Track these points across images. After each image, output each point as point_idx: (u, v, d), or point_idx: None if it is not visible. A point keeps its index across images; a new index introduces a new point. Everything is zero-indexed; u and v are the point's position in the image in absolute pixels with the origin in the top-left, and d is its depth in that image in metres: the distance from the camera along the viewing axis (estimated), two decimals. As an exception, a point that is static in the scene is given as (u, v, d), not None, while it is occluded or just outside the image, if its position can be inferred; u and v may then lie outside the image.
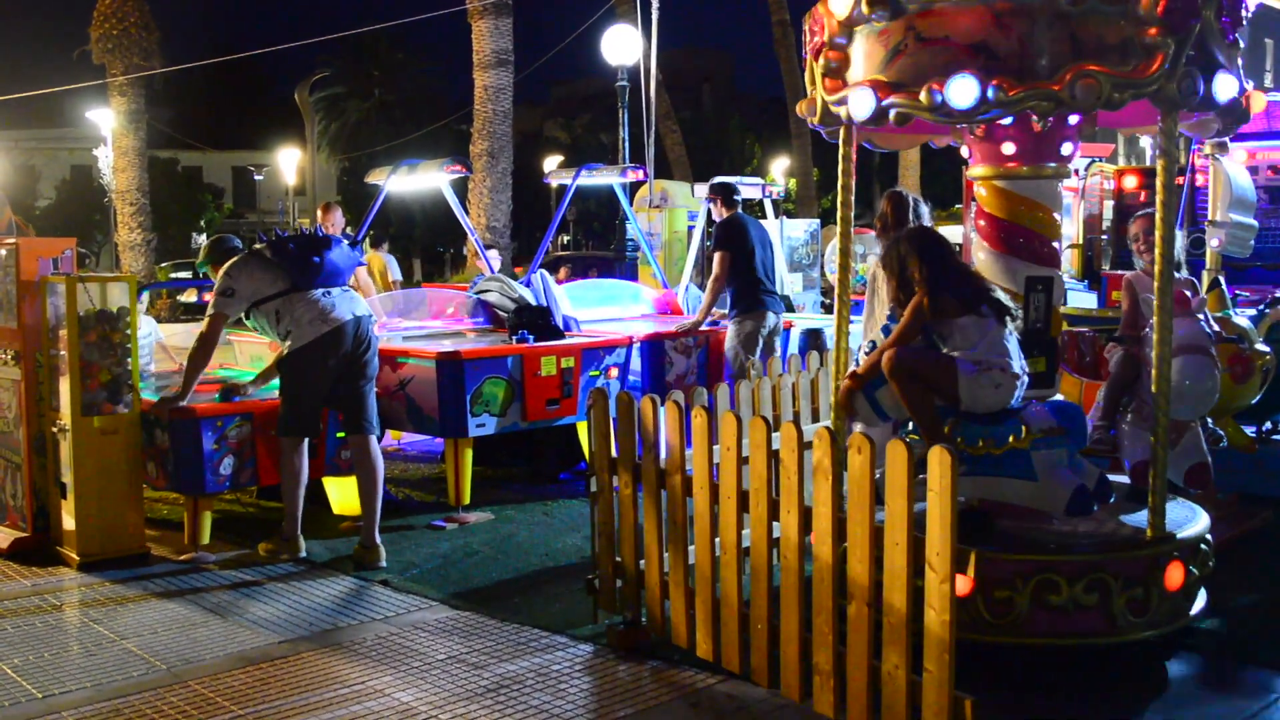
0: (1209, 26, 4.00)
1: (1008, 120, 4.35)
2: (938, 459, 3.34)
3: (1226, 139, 6.70)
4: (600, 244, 38.45)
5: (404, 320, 8.13)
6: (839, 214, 4.75)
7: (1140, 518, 4.31)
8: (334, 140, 45.81)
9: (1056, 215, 4.61)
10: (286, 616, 5.13)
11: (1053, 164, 4.56)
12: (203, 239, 41.15)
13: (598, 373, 7.33)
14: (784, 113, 32.45)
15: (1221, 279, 6.61)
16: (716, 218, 8.14)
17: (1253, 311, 6.98)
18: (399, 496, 7.42)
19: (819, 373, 5.80)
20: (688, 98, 50.98)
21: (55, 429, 6.07)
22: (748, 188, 11.92)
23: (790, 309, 8.76)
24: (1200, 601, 4.38)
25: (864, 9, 4.19)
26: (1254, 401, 6.12)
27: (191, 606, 5.31)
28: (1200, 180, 8.24)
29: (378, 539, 5.93)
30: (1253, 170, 8.28)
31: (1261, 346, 6.04)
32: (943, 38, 4.08)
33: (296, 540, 6.06)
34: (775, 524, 4.00)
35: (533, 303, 7.86)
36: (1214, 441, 5.64)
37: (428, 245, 45.63)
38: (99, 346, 5.94)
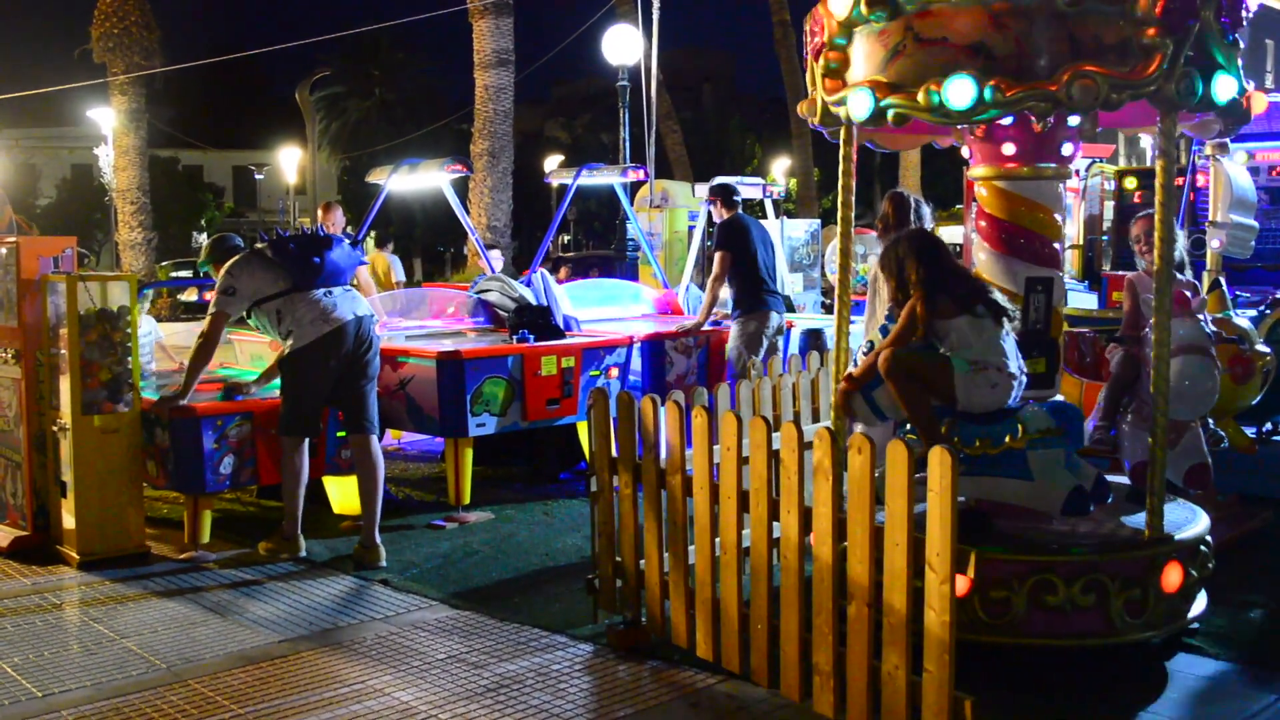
0: (1208, 27, 4.00)
1: (1008, 120, 4.35)
2: (938, 459, 3.34)
3: (1227, 140, 6.70)
4: (601, 244, 38.46)
5: (404, 319, 8.13)
6: (839, 214, 4.75)
7: (1140, 519, 4.31)
8: (334, 139, 45.81)
9: (1057, 216, 4.61)
10: (286, 616, 5.13)
11: (1053, 165, 4.56)
12: (203, 238, 41.19)
13: (598, 372, 7.33)
14: (785, 113, 32.45)
15: (1222, 280, 6.61)
16: (717, 219, 8.14)
17: (1253, 313, 6.98)
18: (399, 496, 7.42)
19: (819, 373, 5.80)
20: (688, 98, 50.99)
21: (55, 428, 6.07)
22: (748, 188, 11.92)
23: (791, 309, 8.76)
24: (1200, 603, 4.38)
25: (863, 9, 4.19)
26: (1254, 402, 6.12)
27: (191, 605, 5.31)
28: (1201, 181, 8.24)
29: (378, 538, 5.93)
30: (1253, 171, 8.28)
31: (1262, 347, 6.04)
32: (941, 38, 4.08)
33: (297, 539, 6.06)
34: (775, 524, 4.00)
35: (533, 302, 7.86)
36: (1215, 442, 5.64)
37: (428, 245, 45.64)
38: (99, 345, 5.94)
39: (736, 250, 7.82)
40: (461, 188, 12.71)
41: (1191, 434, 5.36)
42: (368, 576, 5.69)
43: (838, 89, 4.38)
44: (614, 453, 4.62)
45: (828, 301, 15.21)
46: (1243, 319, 6.37)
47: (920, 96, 4.05)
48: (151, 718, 4.03)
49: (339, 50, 41.84)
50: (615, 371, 7.44)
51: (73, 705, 4.14)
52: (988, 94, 3.94)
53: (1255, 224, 6.97)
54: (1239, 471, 6.28)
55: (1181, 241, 5.55)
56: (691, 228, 14.29)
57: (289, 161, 38.58)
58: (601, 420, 4.63)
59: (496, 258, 11.60)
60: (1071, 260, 11.53)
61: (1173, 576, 4.13)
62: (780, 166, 39.69)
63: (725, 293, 8.04)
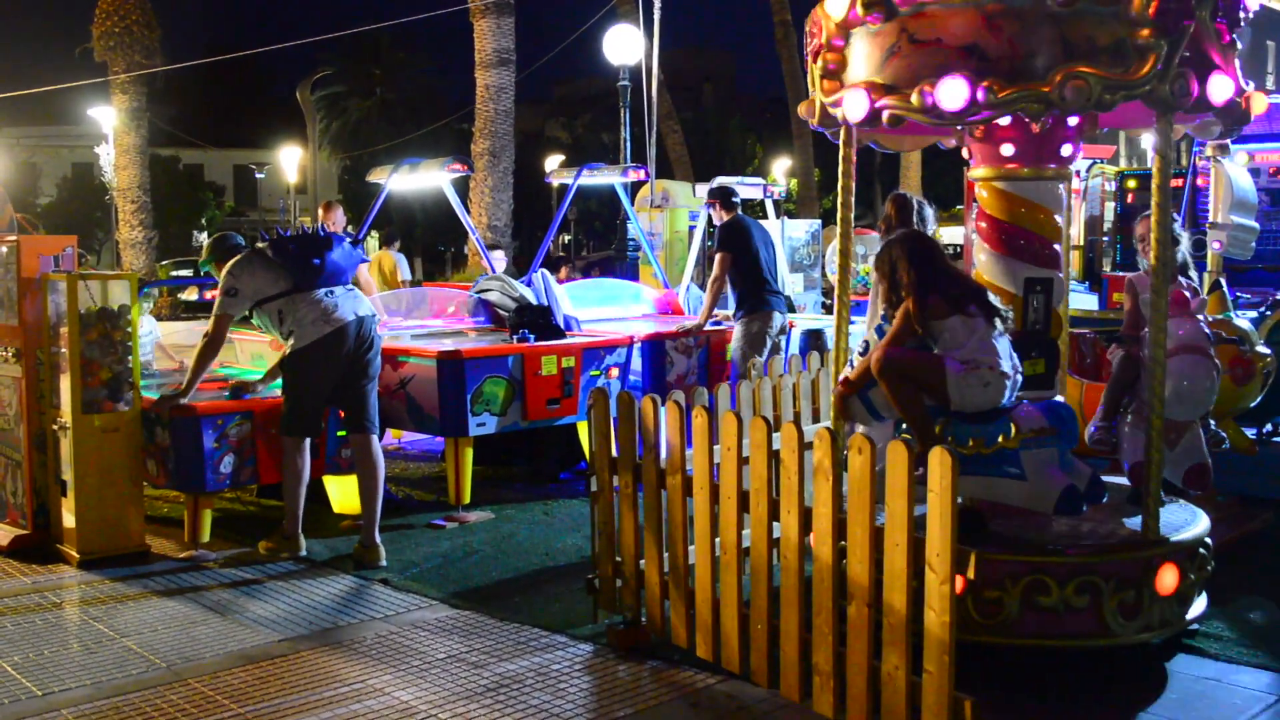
0: (1204, 27, 4.00)
1: (1005, 121, 4.35)
2: (938, 459, 3.34)
3: (1228, 141, 6.70)
4: (601, 244, 38.46)
5: (405, 319, 8.13)
6: (839, 215, 4.76)
7: (1139, 520, 4.30)
8: (335, 139, 45.84)
9: (1058, 217, 4.61)
10: (286, 615, 5.13)
11: (1053, 166, 4.56)
12: (204, 237, 41.21)
13: (598, 372, 7.33)
14: (785, 113, 32.45)
15: (1223, 281, 6.61)
16: (717, 221, 8.15)
17: (1254, 314, 6.98)
18: (399, 495, 7.42)
19: (819, 373, 5.80)
20: (689, 97, 51.01)
21: (56, 426, 6.07)
22: (749, 188, 11.92)
23: (792, 309, 8.76)
24: (1199, 605, 4.37)
25: (859, 11, 4.20)
26: (1255, 404, 6.12)
27: (191, 604, 5.31)
28: (1201, 182, 8.23)
29: (378, 538, 5.93)
30: (1254, 172, 8.28)
31: (1262, 349, 6.04)
32: (935, 40, 4.09)
33: (297, 539, 6.06)
34: (775, 524, 4.00)
35: (534, 302, 7.86)
36: (1216, 443, 5.64)
37: (429, 244, 45.66)
38: (100, 344, 5.94)
39: (738, 251, 7.83)
40: (462, 187, 12.71)
41: (1192, 434, 5.36)
42: (368, 576, 5.69)
43: (835, 90, 4.39)
44: (614, 453, 4.62)
45: (828, 302, 15.20)
46: (1243, 320, 6.37)
47: (914, 98, 4.06)
48: (151, 716, 4.03)
49: (340, 50, 41.85)
50: (615, 371, 7.45)
51: (72, 704, 4.14)
52: (980, 95, 3.94)
53: (1256, 225, 6.96)
54: (1239, 472, 6.28)
55: (1185, 243, 5.55)
56: (692, 228, 14.28)
57: (290, 161, 38.60)
58: (602, 420, 4.63)
59: (499, 258, 11.58)
60: (1072, 261, 11.53)
61: (1168, 579, 4.12)
62: (781, 167, 39.72)
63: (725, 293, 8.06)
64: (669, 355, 7.88)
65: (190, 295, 26.64)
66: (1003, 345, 4.27)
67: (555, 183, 11.81)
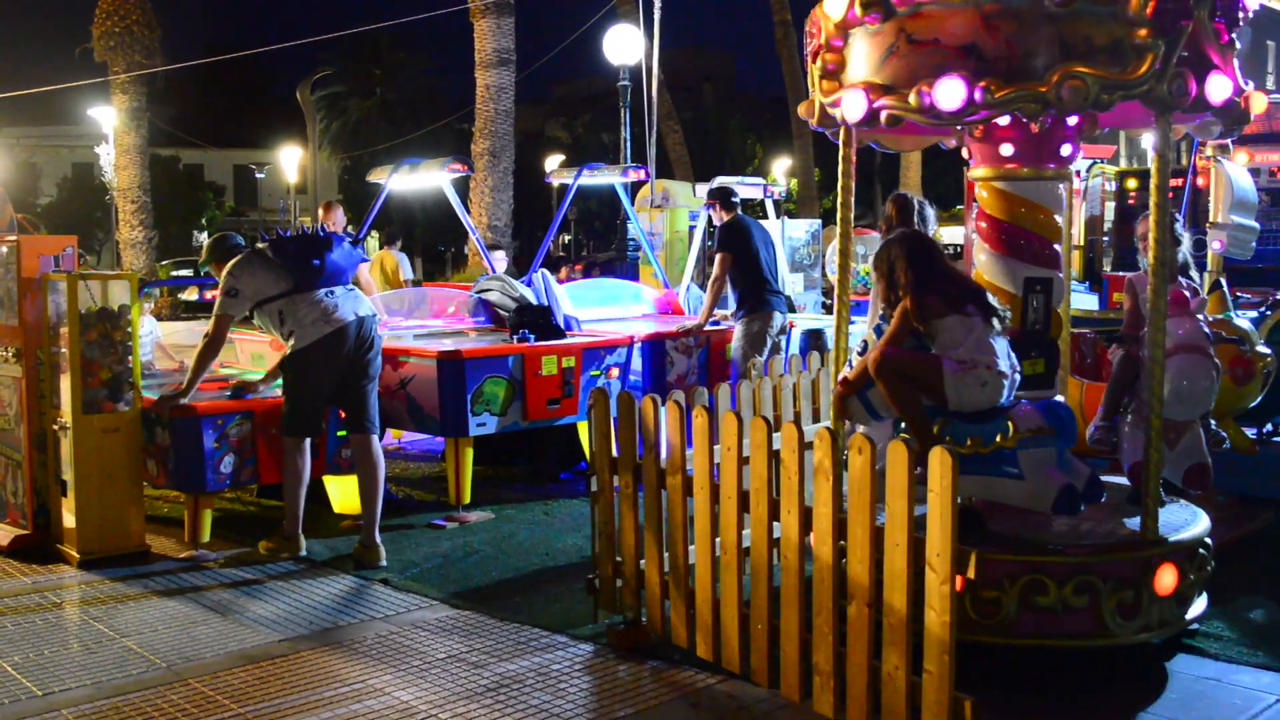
0: (1202, 27, 3.99)
1: (1004, 121, 4.35)
2: (938, 459, 3.34)
3: (1229, 141, 6.70)
4: (601, 244, 38.45)
5: (405, 319, 8.13)
6: (839, 215, 4.76)
7: (1139, 520, 4.30)
8: (335, 139, 45.84)
9: (1058, 217, 4.61)
10: (287, 615, 5.13)
11: (1053, 166, 4.56)
12: (204, 237, 41.21)
13: (599, 372, 7.33)
14: (785, 113, 32.44)
15: (1223, 281, 6.62)
16: (717, 221, 8.16)
17: (1254, 314, 6.98)
18: (399, 495, 7.42)
19: (819, 373, 5.81)
20: (689, 97, 51.01)
21: (56, 426, 6.07)
22: (749, 188, 11.93)
23: (792, 309, 8.77)
24: (1199, 605, 4.36)
25: (858, 11, 4.21)
26: (1255, 404, 6.12)
27: (191, 604, 5.31)
28: (1202, 182, 8.23)
29: (378, 538, 5.93)
30: (1254, 172, 8.28)
31: (1262, 348, 6.04)
32: (932, 40, 4.09)
33: (297, 539, 6.06)
34: (775, 524, 4.00)
35: (534, 302, 7.86)
36: (1217, 443, 5.63)
37: (429, 244, 45.66)
38: (100, 344, 5.94)
39: (738, 251, 7.84)
40: (462, 187, 12.70)
41: (1192, 434, 5.36)
42: (368, 576, 5.69)
43: (834, 90, 4.39)
44: (614, 453, 4.62)
45: (828, 302, 15.21)
46: (1243, 320, 6.37)
47: (911, 98, 4.06)
48: (152, 716, 4.03)
49: (340, 50, 41.87)
50: (616, 371, 7.45)
51: (73, 704, 4.14)
52: (977, 95, 3.95)
53: (1256, 225, 6.96)
54: (1239, 472, 6.28)
55: (1187, 244, 5.55)
56: (692, 228, 14.28)
57: (290, 161, 38.60)
58: (602, 420, 4.63)
59: (500, 259, 11.55)
60: (1073, 261, 11.53)
61: (1166, 579, 4.11)
62: (781, 166, 39.72)
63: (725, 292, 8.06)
64: (669, 355, 7.89)
65: (190, 295, 26.65)
66: (1000, 345, 4.27)
67: (555, 183, 11.80)
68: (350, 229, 11.99)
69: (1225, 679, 4.19)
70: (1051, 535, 4.26)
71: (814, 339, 8.62)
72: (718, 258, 7.95)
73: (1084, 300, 9.21)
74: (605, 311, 8.75)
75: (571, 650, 4.60)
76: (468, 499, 6.76)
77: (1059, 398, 4.72)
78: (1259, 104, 4.40)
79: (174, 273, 31.80)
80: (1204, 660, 4.35)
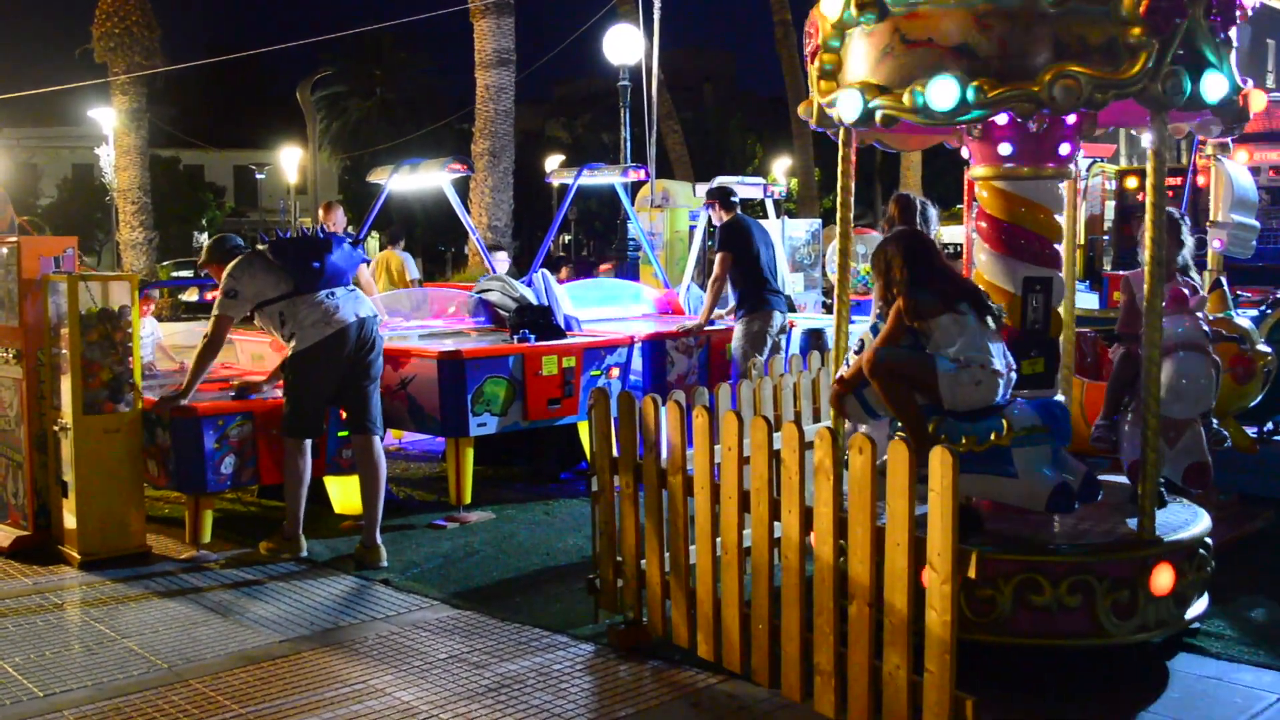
0: (1197, 25, 3.98)
1: (1002, 120, 4.35)
2: (939, 459, 3.34)
3: (1229, 140, 6.70)
4: (601, 243, 38.45)
5: (406, 320, 8.13)
6: (839, 214, 4.76)
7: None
8: (335, 139, 45.84)
9: (1058, 216, 4.61)
10: (287, 615, 5.13)
11: (1052, 165, 4.56)
12: (204, 238, 41.20)
13: (599, 372, 7.33)
14: (785, 112, 32.43)
15: (1224, 279, 6.61)
16: (716, 221, 8.17)
17: (1254, 312, 6.98)
18: (400, 496, 7.42)
19: (820, 372, 5.81)
20: (689, 97, 50.98)
21: (57, 427, 6.07)
22: (749, 188, 11.91)
23: (792, 309, 8.77)
24: (1199, 605, 4.34)
25: (853, 12, 4.21)
26: (1255, 402, 6.12)
27: (192, 605, 5.31)
28: (1202, 181, 8.23)
29: (379, 538, 5.93)
30: (1254, 171, 8.27)
31: (1263, 347, 6.04)
32: (927, 40, 4.10)
33: (298, 539, 6.06)
34: (776, 524, 4.00)
35: (534, 302, 7.86)
36: (1218, 442, 5.63)
37: (429, 245, 45.64)
38: (100, 345, 5.94)
39: (738, 251, 7.85)
40: (462, 187, 12.70)
41: (1192, 433, 5.36)
42: (369, 576, 5.69)
43: (832, 90, 4.39)
44: (615, 453, 4.62)
45: (829, 301, 15.20)
46: (1244, 319, 6.37)
47: (905, 98, 4.07)
48: (153, 717, 4.03)
49: (340, 50, 41.84)
50: (616, 371, 7.45)
51: (74, 705, 4.14)
52: (970, 95, 3.95)
53: (1256, 224, 6.96)
54: (1240, 471, 6.28)
55: (1190, 245, 5.55)
56: (692, 227, 14.27)
57: (290, 161, 38.59)
58: (602, 420, 4.63)
59: (502, 259, 11.53)
60: (1075, 260, 11.50)
61: (1163, 578, 4.09)
62: (781, 166, 39.71)
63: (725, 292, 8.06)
64: (670, 355, 7.89)
65: (191, 296, 26.66)
66: (995, 343, 4.27)
67: (555, 183, 11.81)
68: (350, 229, 11.98)
69: (1226, 678, 4.19)
70: (1050, 534, 4.26)
71: (814, 339, 8.63)
72: (718, 257, 7.96)
73: (1084, 299, 9.19)
74: (605, 311, 8.75)
75: (572, 650, 4.60)
76: (468, 499, 6.76)
77: (1059, 397, 4.71)
78: (1258, 102, 4.40)
79: (174, 273, 31.78)
80: (1205, 659, 4.35)
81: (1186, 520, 4.40)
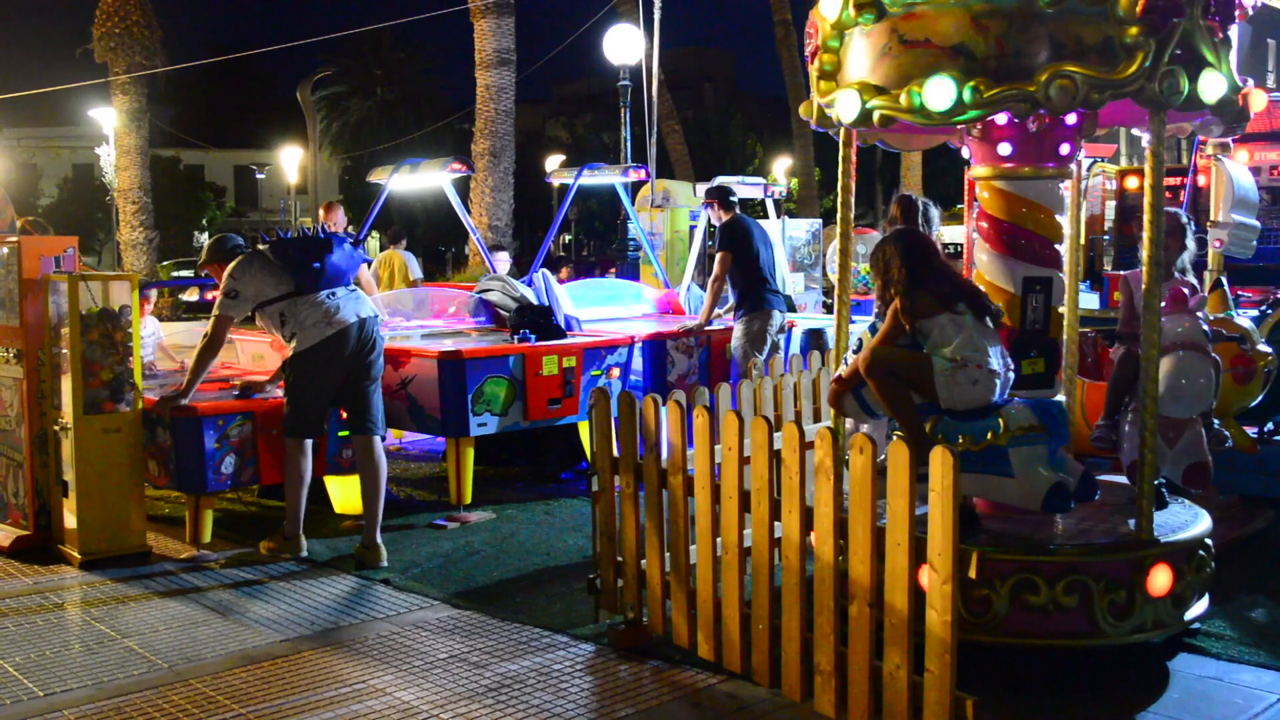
0: (1195, 25, 3.98)
1: (1002, 120, 4.35)
2: (940, 459, 3.34)
3: (1229, 140, 6.69)
4: (602, 244, 38.46)
5: (407, 320, 8.13)
6: (839, 214, 4.76)
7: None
8: (336, 139, 45.83)
9: (1059, 217, 4.61)
10: (288, 615, 5.13)
11: (1053, 165, 4.55)
12: (205, 238, 41.22)
13: (599, 372, 7.33)
14: (786, 112, 32.46)
15: (1224, 279, 6.61)
16: (715, 221, 8.18)
17: (1254, 313, 6.98)
18: (401, 495, 7.42)
19: (820, 373, 5.81)
20: (690, 97, 50.95)
21: (57, 427, 6.07)
22: (749, 187, 11.91)
23: (792, 309, 8.78)
24: (1199, 606, 4.32)
25: (851, 12, 4.22)
26: (1256, 403, 6.12)
27: (193, 605, 5.31)
28: (1203, 181, 8.23)
29: (379, 538, 5.93)
30: (1254, 171, 8.27)
31: (1264, 347, 6.04)
32: (924, 40, 4.10)
33: (298, 539, 6.06)
34: (776, 524, 4.00)
35: (534, 302, 7.86)
36: (1219, 442, 5.63)
37: (429, 245, 45.64)
38: (101, 345, 5.94)
39: (738, 251, 7.86)
40: (463, 187, 12.70)
41: (1192, 433, 5.36)
42: (369, 576, 5.69)
43: (831, 91, 4.40)
44: (615, 453, 4.62)
45: (829, 301, 15.20)
46: (1244, 319, 6.37)
47: (902, 98, 4.07)
48: (153, 717, 4.03)
49: (340, 50, 41.88)
50: (617, 371, 7.45)
51: (74, 704, 4.14)
52: (966, 95, 3.95)
53: (1257, 224, 6.96)
54: (1241, 471, 6.27)
55: (1191, 249, 5.56)
56: (693, 227, 14.28)
57: (290, 161, 38.56)
58: (603, 420, 4.63)
59: (503, 260, 11.53)
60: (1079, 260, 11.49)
61: (1160, 579, 4.07)
62: (782, 166, 39.69)
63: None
64: (670, 355, 7.89)
65: (191, 296, 26.65)
66: (993, 343, 4.27)
67: (556, 183, 11.82)
68: (351, 229, 11.99)
69: (1227, 678, 4.19)
70: (1047, 534, 4.25)
71: (815, 338, 8.63)
72: (718, 257, 7.97)
73: (1084, 299, 9.18)
74: (606, 311, 8.75)
75: (573, 650, 4.60)
76: (469, 499, 6.76)
77: (1060, 397, 4.71)
78: (1258, 102, 4.39)
79: (174, 273, 31.80)
80: (1205, 659, 4.35)
81: (1187, 521, 4.39)
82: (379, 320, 6.15)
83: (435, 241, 45.06)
